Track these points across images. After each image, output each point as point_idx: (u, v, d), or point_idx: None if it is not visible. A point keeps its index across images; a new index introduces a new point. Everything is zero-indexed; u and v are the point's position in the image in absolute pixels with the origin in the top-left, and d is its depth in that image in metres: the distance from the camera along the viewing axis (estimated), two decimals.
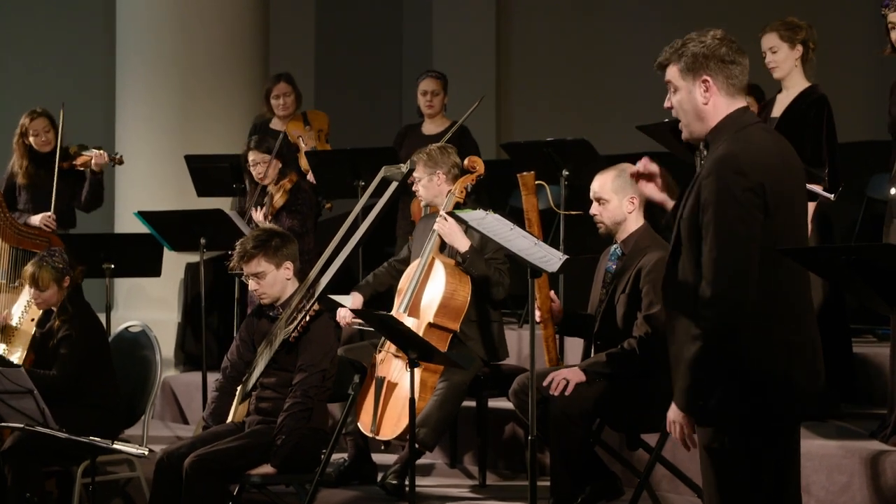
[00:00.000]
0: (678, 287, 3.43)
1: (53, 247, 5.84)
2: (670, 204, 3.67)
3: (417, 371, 4.83)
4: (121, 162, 7.24)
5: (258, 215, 6.78)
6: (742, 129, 3.39)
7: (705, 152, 3.48)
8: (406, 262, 6.02)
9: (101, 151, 7.12)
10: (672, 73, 3.46)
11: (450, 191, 5.83)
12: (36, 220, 7.06)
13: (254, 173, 6.91)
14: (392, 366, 5.51)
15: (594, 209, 5.11)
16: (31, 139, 7.17)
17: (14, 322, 5.95)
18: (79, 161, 7.16)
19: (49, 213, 7.00)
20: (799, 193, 3.45)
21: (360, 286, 5.99)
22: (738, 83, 3.43)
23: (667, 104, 3.52)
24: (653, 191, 3.71)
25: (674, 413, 3.43)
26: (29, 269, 5.69)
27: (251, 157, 6.90)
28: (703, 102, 3.42)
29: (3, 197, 7.12)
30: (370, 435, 5.52)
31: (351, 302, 5.84)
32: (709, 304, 3.29)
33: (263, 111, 8.09)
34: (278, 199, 6.87)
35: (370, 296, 5.93)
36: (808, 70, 5.59)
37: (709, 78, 3.41)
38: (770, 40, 5.59)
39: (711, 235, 3.30)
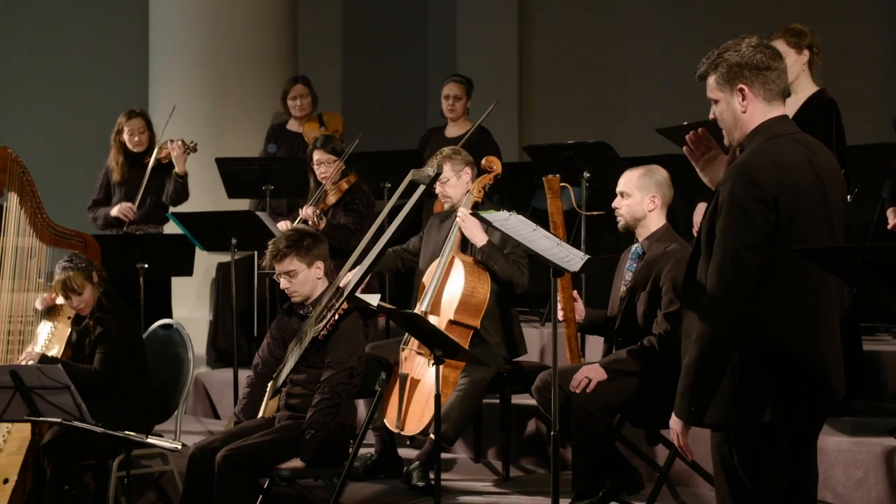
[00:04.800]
0: (694, 289, 3.40)
1: (73, 252, 5.85)
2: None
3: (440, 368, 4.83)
4: (194, 150, 7.22)
5: (306, 210, 6.73)
6: (771, 139, 3.36)
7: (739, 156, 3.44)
8: (413, 253, 6.05)
9: (178, 141, 7.16)
10: (710, 84, 3.44)
11: (468, 191, 5.86)
12: (115, 211, 7.20)
13: (317, 172, 6.80)
14: (415, 363, 5.53)
15: (616, 202, 5.13)
16: (125, 137, 7.25)
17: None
18: (161, 155, 7.23)
19: (129, 204, 7.15)
20: (824, 202, 3.39)
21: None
22: (776, 88, 3.40)
23: (710, 115, 3.49)
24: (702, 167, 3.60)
25: (672, 420, 3.42)
26: (58, 279, 5.64)
27: (316, 156, 6.77)
28: (741, 111, 3.39)
29: (101, 191, 7.29)
30: (395, 431, 5.53)
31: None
32: (709, 311, 3.28)
33: (281, 112, 8.14)
34: (331, 197, 6.83)
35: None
36: (814, 74, 5.56)
37: (745, 86, 3.38)
38: (777, 47, 5.56)
39: (718, 242, 3.28)
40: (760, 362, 3.28)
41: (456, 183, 5.87)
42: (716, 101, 3.44)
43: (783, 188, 3.28)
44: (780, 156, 3.33)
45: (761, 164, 3.30)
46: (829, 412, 3.46)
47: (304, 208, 6.74)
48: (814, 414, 3.40)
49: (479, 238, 5.67)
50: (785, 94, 3.45)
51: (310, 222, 6.63)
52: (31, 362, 5.49)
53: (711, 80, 3.42)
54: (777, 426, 3.32)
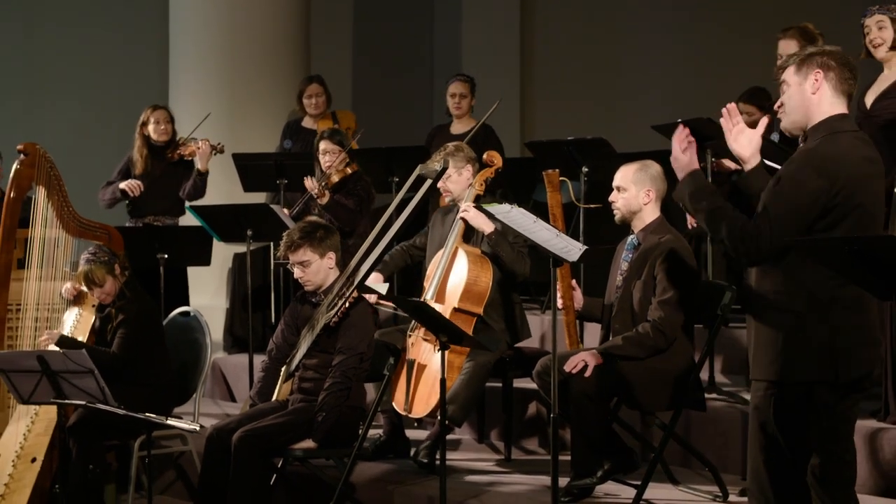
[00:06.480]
0: None
1: (98, 243, 5.84)
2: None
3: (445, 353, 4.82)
4: (221, 151, 7.26)
5: (310, 182, 6.75)
6: (834, 134, 3.44)
7: (802, 145, 3.54)
8: (420, 248, 6.01)
9: (205, 140, 7.18)
10: (788, 73, 3.54)
11: (470, 184, 5.83)
12: (123, 184, 7.20)
13: (322, 161, 6.86)
14: (421, 348, 5.51)
15: (613, 196, 5.12)
16: (150, 127, 7.27)
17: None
18: (186, 151, 7.23)
19: (138, 182, 7.18)
20: (877, 199, 3.48)
21: (379, 268, 5.94)
22: (846, 87, 3.49)
23: (776, 105, 3.62)
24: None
25: (677, 192, 3.65)
26: (81, 271, 5.66)
27: (323, 145, 6.84)
28: (811, 92, 3.49)
29: (118, 176, 7.30)
30: (404, 413, 5.52)
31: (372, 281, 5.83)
32: (746, 231, 3.42)
33: (296, 110, 8.14)
34: (334, 177, 6.85)
35: (388, 275, 5.93)
36: None
37: (820, 72, 3.47)
38: (789, 47, 5.50)
39: (768, 203, 3.39)
40: (805, 327, 3.42)
41: (457, 179, 5.83)
42: (786, 89, 3.55)
43: (848, 183, 3.38)
44: (847, 150, 3.42)
45: (831, 155, 3.40)
46: (858, 388, 3.55)
47: (307, 180, 6.77)
48: (846, 384, 3.49)
49: (487, 227, 5.64)
50: (849, 98, 3.52)
51: (314, 193, 6.66)
52: (50, 343, 5.51)
53: (791, 69, 3.53)
54: (810, 387, 3.45)
